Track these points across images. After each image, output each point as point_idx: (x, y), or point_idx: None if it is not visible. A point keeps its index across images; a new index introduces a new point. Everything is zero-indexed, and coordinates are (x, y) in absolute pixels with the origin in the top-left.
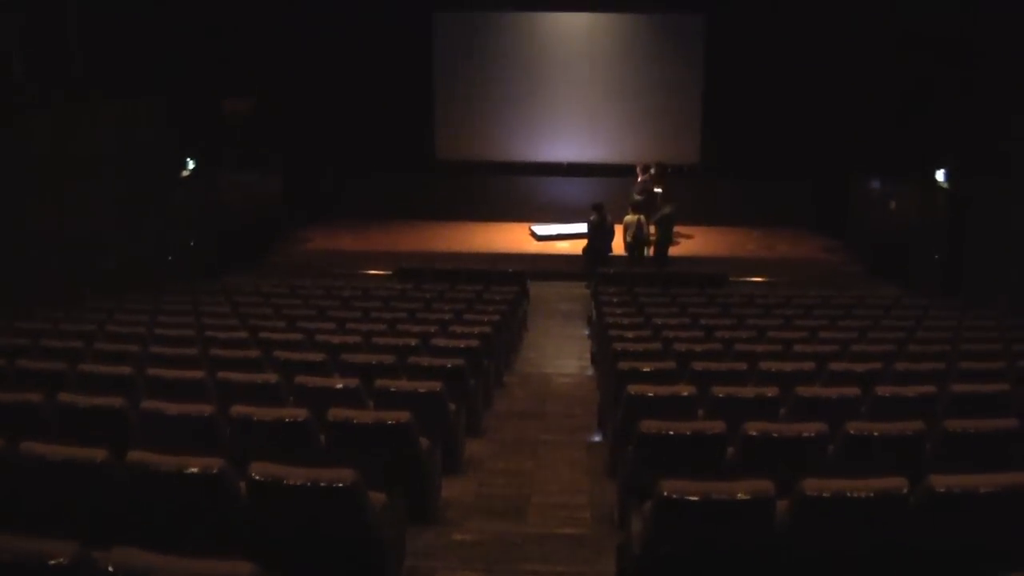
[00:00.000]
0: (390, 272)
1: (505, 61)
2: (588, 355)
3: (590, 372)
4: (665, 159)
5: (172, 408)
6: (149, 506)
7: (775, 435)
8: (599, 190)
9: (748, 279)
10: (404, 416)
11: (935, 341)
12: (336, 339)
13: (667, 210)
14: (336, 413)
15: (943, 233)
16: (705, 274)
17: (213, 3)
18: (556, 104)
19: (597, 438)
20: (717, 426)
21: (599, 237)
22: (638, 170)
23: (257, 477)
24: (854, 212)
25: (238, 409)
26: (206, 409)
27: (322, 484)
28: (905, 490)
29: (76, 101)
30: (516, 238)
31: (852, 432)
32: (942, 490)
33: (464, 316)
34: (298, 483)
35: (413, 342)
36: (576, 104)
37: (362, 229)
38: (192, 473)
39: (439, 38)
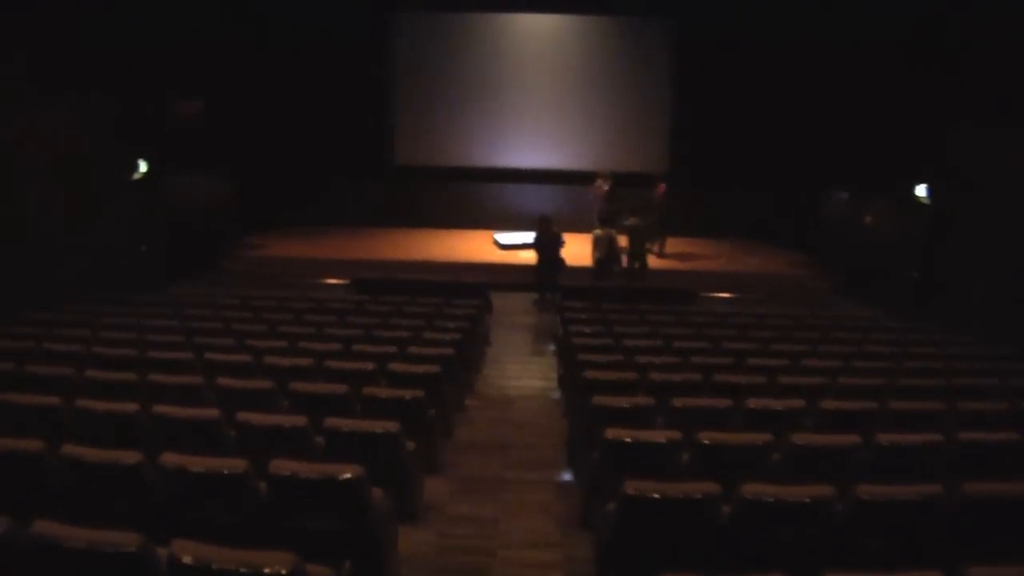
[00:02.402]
0: (346, 282)
1: (468, 64)
2: (553, 374)
3: (556, 395)
4: (632, 167)
5: (91, 455)
6: None
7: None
8: (564, 197)
9: (717, 295)
10: (356, 471)
11: (927, 373)
12: (286, 361)
13: (634, 221)
14: (279, 466)
15: (918, 250)
16: (674, 289)
17: (162, 1)
18: (521, 109)
19: (567, 477)
20: (710, 488)
21: (547, 250)
22: (600, 180)
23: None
24: (825, 227)
25: (168, 458)
26: (131, 457)
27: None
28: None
29: (15, 99)
30: (478, 247)
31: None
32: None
33: (423, 334)
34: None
35: (369, 366)
36: (541, 109)
37: (318, 236)
38: None
39: (399, 39)
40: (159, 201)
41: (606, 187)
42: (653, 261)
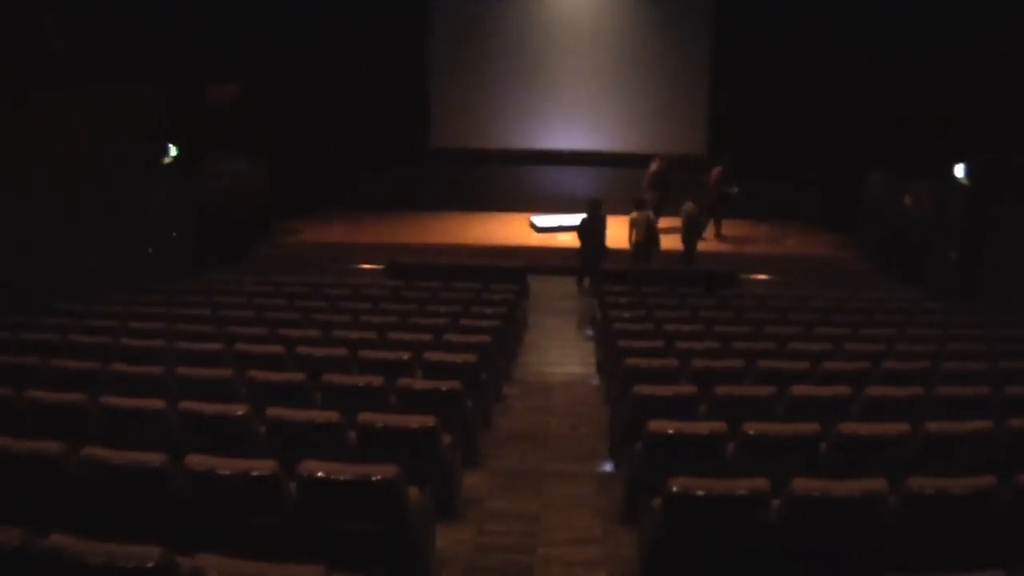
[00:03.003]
0: (382, 267)
1: (504, 45)
2: (592, 359)
3: (595, 381)
4: (671, 149)
5: (114, 457)
6: None
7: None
8: (602, 180)
9: (756, 277)
10: (390, 471)
11: (972, 356)
12: (319, 351)
13: (689, 207)
14: (309, 467)
15: (959, 232)
16: (714, 272)
17: None
18: (557, 90)
19: (608, 467)
20: (758, 484)
21: (594, 235)
22: (653, 163)
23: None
24: (865, 208)
25: (194, 459)
26: (155, 459)
27: None
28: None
29: (55, 89)
30: (515, 230)
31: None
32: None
33: (460, 321)
34: None
35: (405, 356)
36: (578, 90)
37: (354, 221)
38: None
39: (435, 21)
40: (194, 187)
41: (653, 168)
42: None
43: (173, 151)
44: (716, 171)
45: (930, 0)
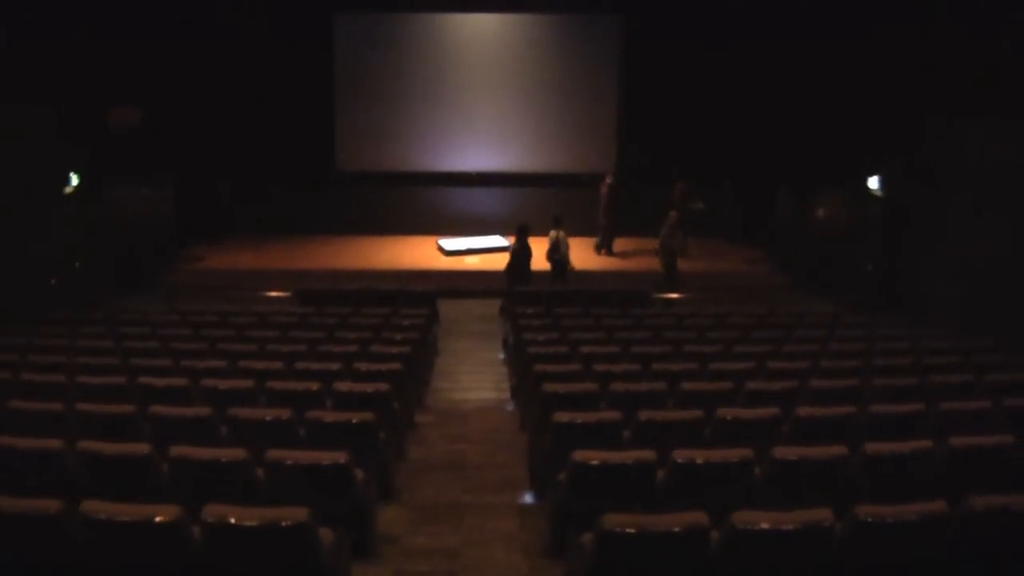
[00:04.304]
0: (290, 293)
1: (412, 66)
2: (506, 384)
3: (511, 407)
4: (579, 167)
5: (6, 504)
6: None
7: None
8: (510, 201)
9: (670, 296)
10: (301, 515)
11: (901, 371)
12: (225, 384)
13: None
14: (215, 512)
15: (876, 243)
16: (626, 291)
17: (94, 4)
18: (465, 111)
19: (529, 498)
20: (696, 519)
21: (521, 262)
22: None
23: None
24: (778, 222)
25: (90, 506)
26: (51, 506)
27: None
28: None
29: None
30: (424, 253)
31: None
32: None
33: (370, 348)
34: None
35: (314, 387)
36: (486, 110)
37: (260, 246)
38: None
39: (340, 41)
40: (97, 214)
41: (605, 190)
42: (604, 262)
43: (75, 180)
44: (678, 187)
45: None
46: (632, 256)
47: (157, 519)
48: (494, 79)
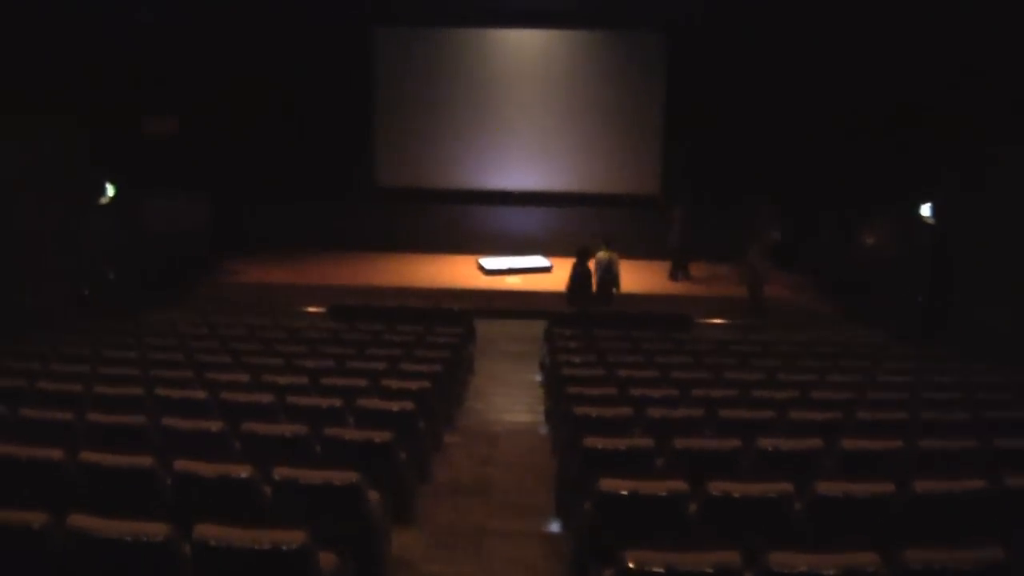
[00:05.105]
0: (324, 309)
1: (452, 81)
2: (541, 406)
3: (543, 430)
4: (622, 188)
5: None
6: None
7: None
8: (552, 220)
9: (712, 321)
10: (299, 538)
11: (951, 406)
12: (245, 397)
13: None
14: (205, 531)
15: (925, 271)
16: (667, 315)
17: (131, 15)
18: (507, 128)
19: (555, 526)
20: (728, 558)
21: (582, 283)
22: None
23: None
24: (825, 248)
25: (75, 520)
26: (37, 519)
27: None
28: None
29: None
30: (463, 272)
31: None
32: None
33: (400, 365)
34: None
35: (337, 403)
36: (528, 128)
37: (296, 262)
38: None
39: (380, 56)
40: (131, 225)
41: (677, 215)
42: (644, 283)
43: (111, 191)
44: (760, 211)
45: (895, 32)
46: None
47: (146, 537)
48: (537, 96)
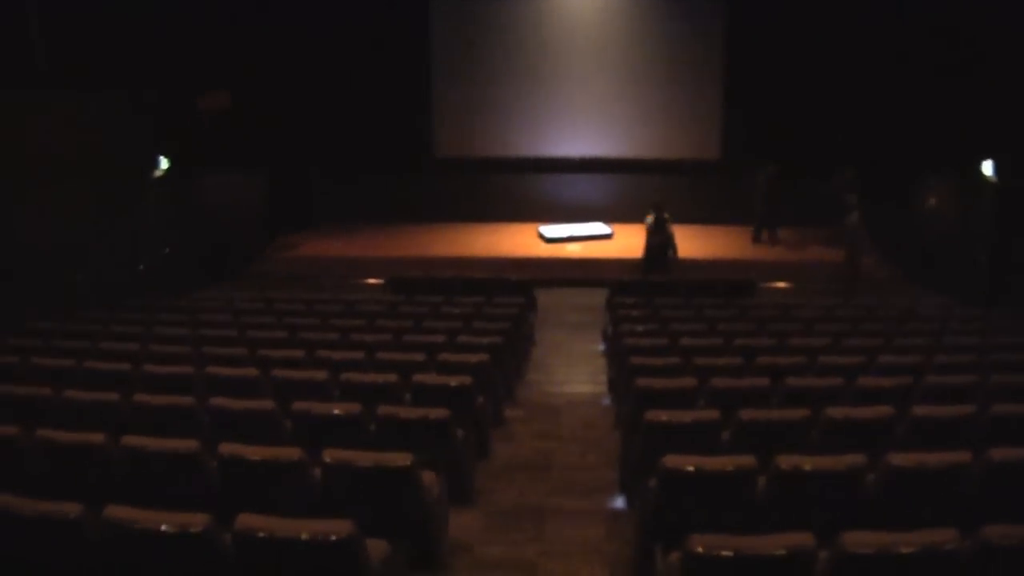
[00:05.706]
0: (382, 281)
1: (510, 49)
2: (603, 377)
3: (606, 401)
4: (683, 154)
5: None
6: None
7: None
8: (613, 187)
9: (775, 285)
10: (345, 528)
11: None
12: (298, 375)
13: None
14: (247, 521)
15: (989, 233)
16: (731, 281)
17: None
18: (566, 95)
19: (619, 503)
20: (801, 541)
21: (656, 240)
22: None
23: None
24: (887, 211)
25: (112, 511)
26: (72, 510)
27: None
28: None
29: (36, 94)
30: (523, 241)
31: None
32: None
33: (459, 338)
34: None
35: (393, 379)
36: (587, 95)
37: (354, 234)
38: None
39: (437, 24)
40: (187, 200)
41: (767, 176)
42: (707, 249)
43: (165, 164)
44: (837, 179)
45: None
46: (738, 246)
47: (185, 528)
48: (595, 62)
